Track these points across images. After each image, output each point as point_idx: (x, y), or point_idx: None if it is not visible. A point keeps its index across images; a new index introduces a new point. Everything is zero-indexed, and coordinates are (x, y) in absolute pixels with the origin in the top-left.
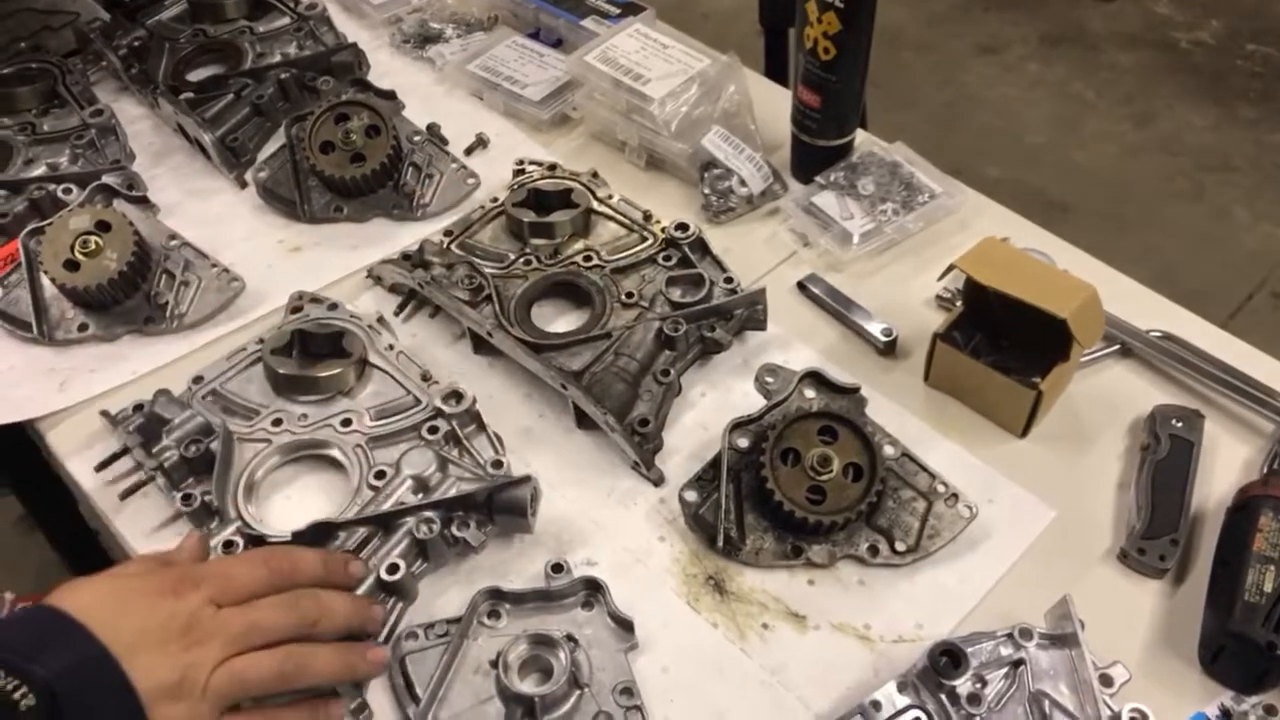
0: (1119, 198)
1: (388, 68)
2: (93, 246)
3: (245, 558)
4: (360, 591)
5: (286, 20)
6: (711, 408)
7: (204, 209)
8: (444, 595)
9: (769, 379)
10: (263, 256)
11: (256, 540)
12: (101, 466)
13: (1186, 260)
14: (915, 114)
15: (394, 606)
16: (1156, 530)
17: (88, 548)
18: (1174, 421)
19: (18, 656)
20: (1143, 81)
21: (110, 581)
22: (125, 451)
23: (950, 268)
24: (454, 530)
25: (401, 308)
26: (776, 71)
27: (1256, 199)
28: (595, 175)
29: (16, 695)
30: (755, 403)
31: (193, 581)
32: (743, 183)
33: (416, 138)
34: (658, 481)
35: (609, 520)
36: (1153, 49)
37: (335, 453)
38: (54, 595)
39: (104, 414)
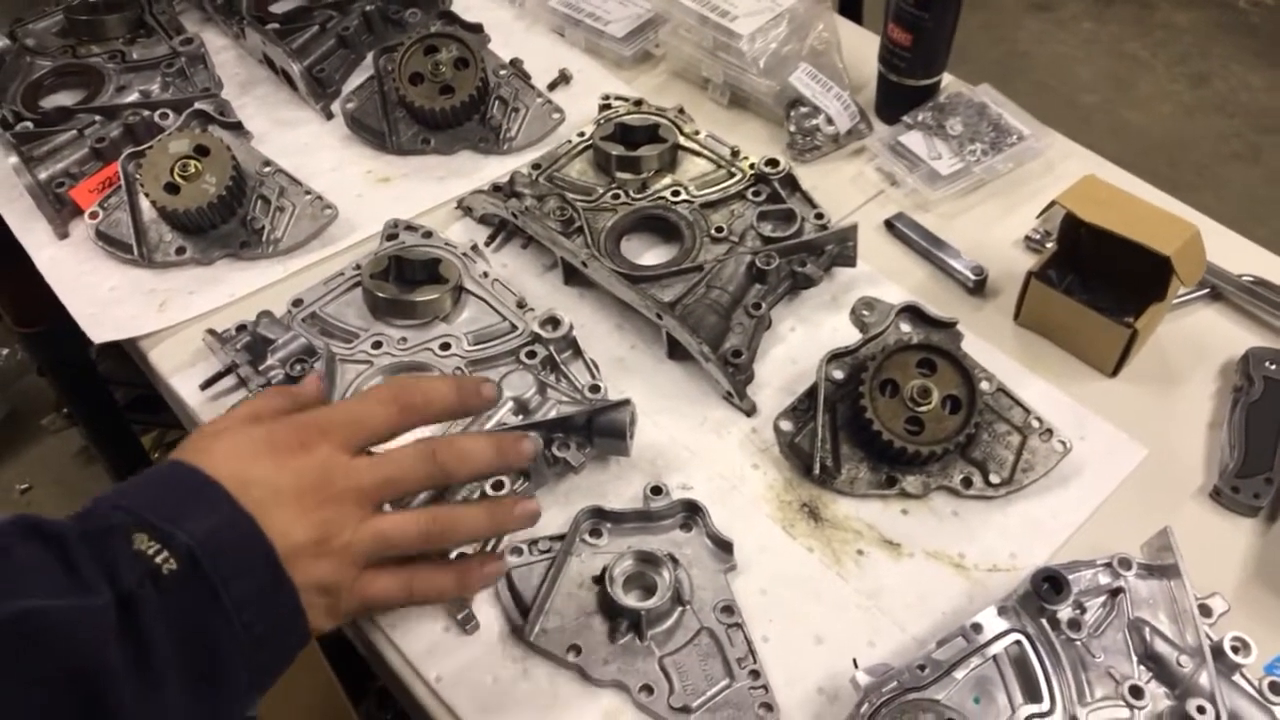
0: (1173, 159)
1: (469, 3)
2: (192, 170)
3: (373, 395)
4: None
5: None
6: (801, 342)
7: (292, 138)
8: (545, 514)
9: (865, 312)
10: (351, 186)
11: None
12: (207, 384)
13: (1242, 224)
14: (966, 71)
15: None
16: (1250, 469)
17: None
18: (1268, 363)
19: (161, 519)
20: (1199, 41)
21: (238, 435)
22: (229, 371)
23: (1051, 203)
24: (555, 450)
25: (492, 238)
26: (851, 13)
27: None
28: (681, 111)
29: (159, 559)
30: (845, 338)
31: (320, 430)
32: (829, 121)
33: (502, 72)
34: (750, 411)
35: (702, 448)
36: (1210, 8)
37: (435, 375)
38: (186, 450)
39: (210, 332)
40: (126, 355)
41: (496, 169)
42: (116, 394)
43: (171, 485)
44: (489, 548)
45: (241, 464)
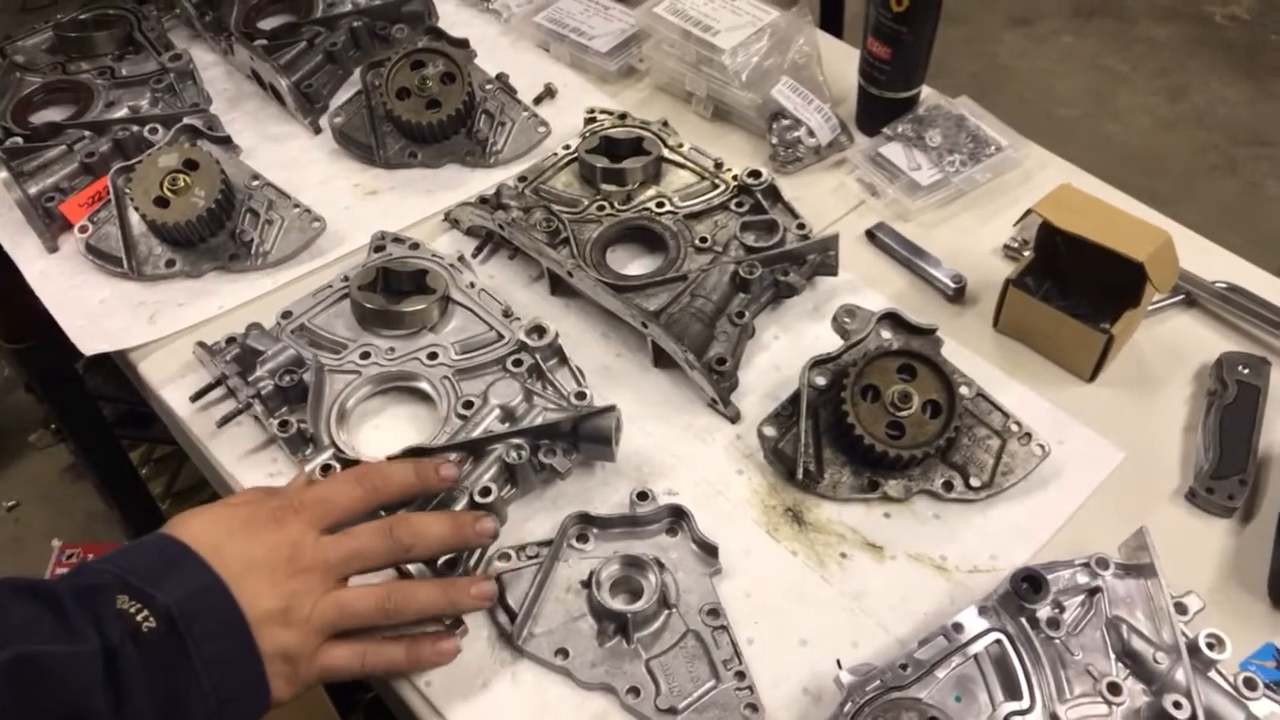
0: (1151, 171)
1: (454, 19)
2: (182, 184)
3: (340, 478)
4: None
5: None
6: (784, 350)
7: (280, 153)
8: (532, 520)
9: (847, 319)
10: (339, 199)
11: (351, 464)
12: (197, 396)
13: (1218, 235)
14: (947, 85)
15: None
16: (1225, 471)
17: (134, 495)
18: (1241, 368)
19: (142, 582)
20: (1177, 55)
21: (218, 511)
22: (219, 382)
23: (1027, 212)
24: (541, 457)
25: (479, 250)
26: (832, 28)
27: None
28: (666, 124)
29: (140, 618)
30: (827, 345)
31: (293, 509)
32: (811, 133)
33: (489, 86)
34: (735, 418)
35: (688, 454)
36: (1187, 23)
37: (423, 384)
38: (170, 525)
39: (200, 345)
40: (114, 371)
41: (483, 182)
42: (104, 410)
43: (153, 552)
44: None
45: (219, 536)
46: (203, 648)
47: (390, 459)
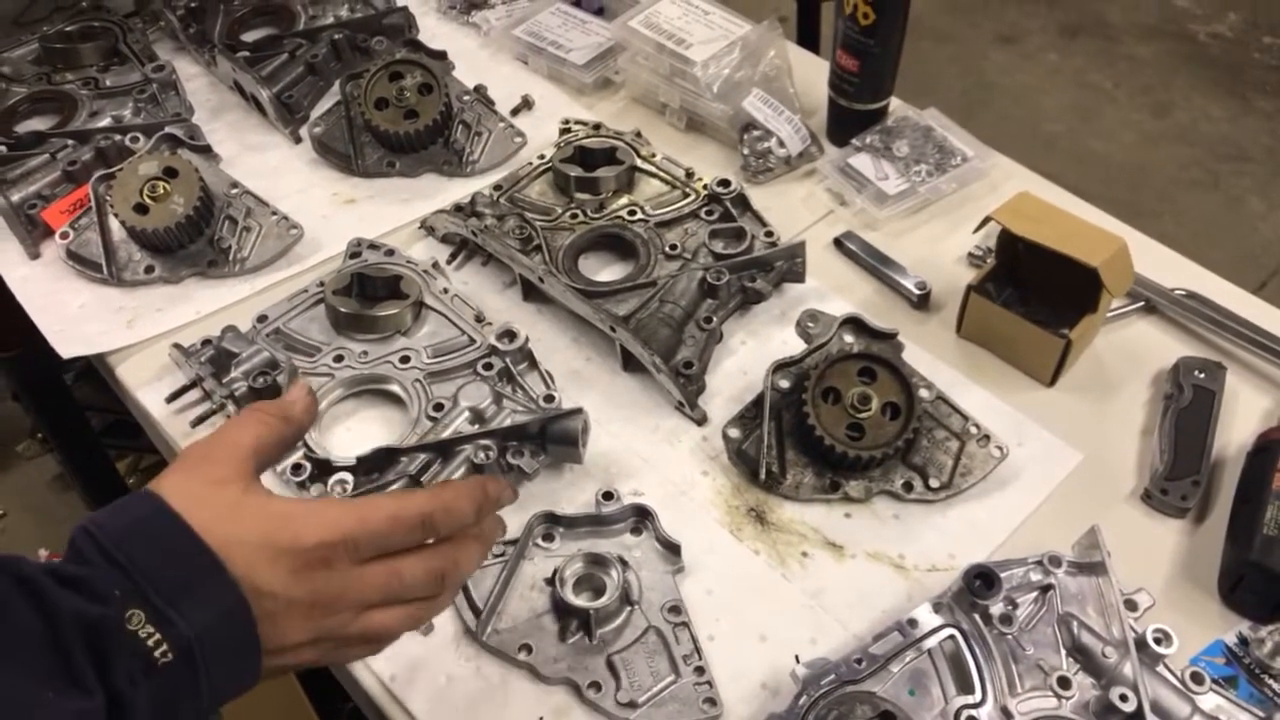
0: (1135, 186)
1: (434, 32)
2: (161, 191)
3: (401, 522)
4: None
5: None
6: (751, 355)
7: (260, 162)
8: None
9: (810, 324)
10: (317, 208)
11: (321, 464)
12: (173, 398)
13: (1200, 249)
14: (933, 101)
15: None
16: (1179, 472)
17: None
18: (1197, 372)
19: (164, 599)
20: (1160, 73)
21: (254, 525)
22: (195, 384)
23: (986, 219)
24: (509, 458)
25: (454, 257)
26: (808, 43)
27: (1271, 189)
28: (639, 134)
29: (157, 652)
30: (793, 350)
31: (345, 552)
32: (781, 144)
33: (466, 97)
34: (701, 420)
35: (654, 455)
36: (1171, 40)
37: (395, 387)
38: (190, 501)
39: (176, 347)
40: (102, 381)
41: (460, 191)
42: (92, 419)
43: (177, 556)
44: None
45: (259, 568)
46: (215, 678)
47: (360, 459)
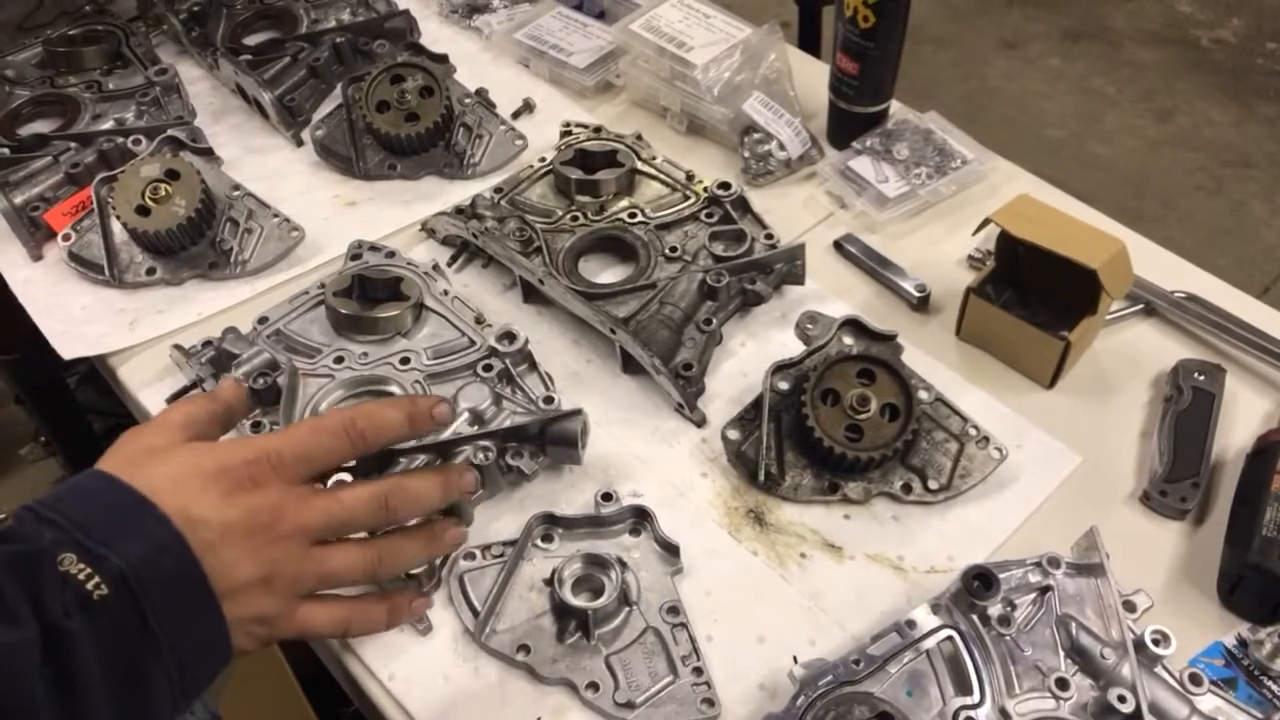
0: (1138, 191)
1: (436, 36)
2: (163, 193)
3: (324, 429)
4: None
5: None
6: (751, 356)
7: (263, 164)
8: (499, 520)
9: (809, 326)
10: (319, 210)
11: None
12: (174, 398)
13: (1204, 254)
14: (936, 106)
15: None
16: (1178, 474)
17: None
18: (1196, 374)
19: (93, 540)
20: (1163, 78)
21: (184, 462)
22: (196, 384)
23: (986, 221)
24: (508, 459)
25: (454, 259)
26: (809, 47)
27: (1274, 194)
28: (639, 137)
29: (90, 585)
30: (793, 352)
31: (271, 466)
32: (781, 147)
33: (467, 100)
34: (700, 422)
35: (653, 457)
36: (1174, 46)
37: (394, 388)
38: (119, 463)
39: (177, 348)
40: (105, 384)
41: (461, 193)
42: (95, 423)
43: (105, 503)
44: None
45: (189, 497)
46: (161, 614)
47: (360, 461)
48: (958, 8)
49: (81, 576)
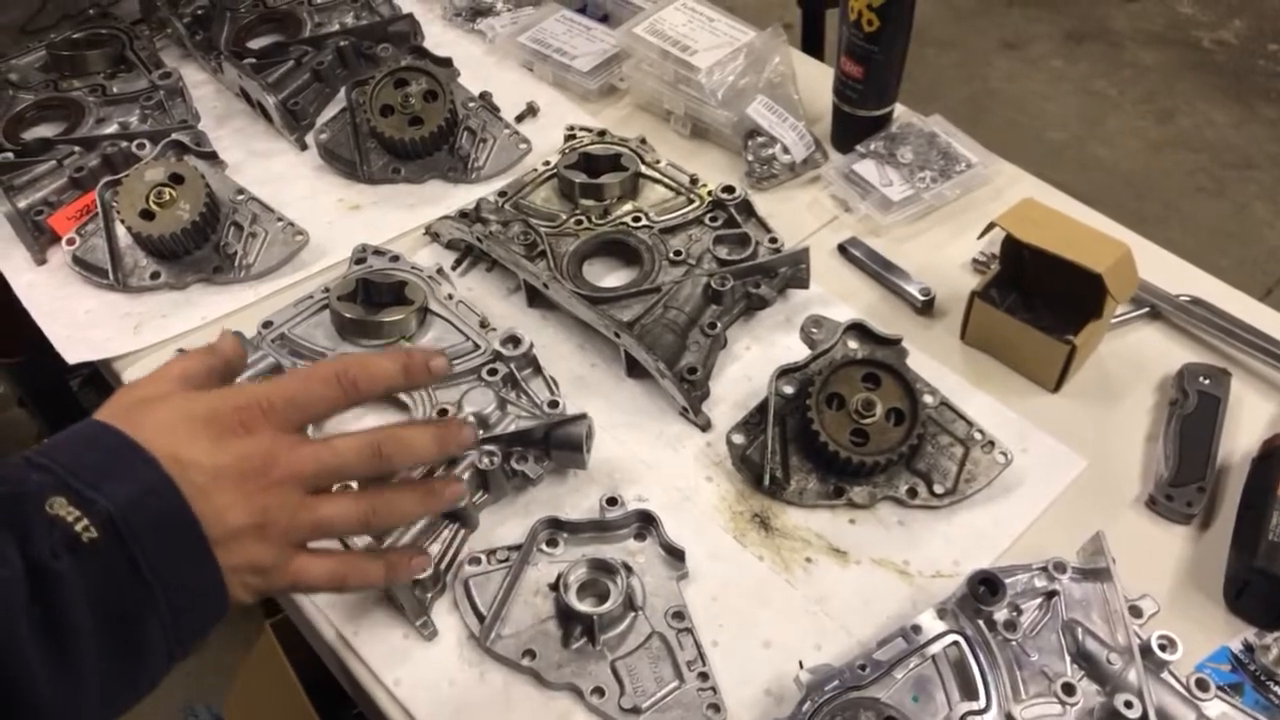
0: (1140, 193)
1: (440, 39)
2: (167, 197)
3: (315, 377)
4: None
5: None
6: (755, 360)
7: (266, 168)
8: (503, 525)
9: (814, 329)
10: (323, 214)
11: None
12: None
13: (1206, 255)
14: (938, 108)
15: (457, 534)
16: (1184, 478)
17: None
18: (1202, 378)
19: (82, 483)
20: (1165, 79)
21: (176, 408)
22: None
23: (991, 225)
24: (513, 464)
25: (458, 263)
26: (813, 50)
27: (1277, 195)
28: (643, 141)
29: (79, 527)
30: (797, 356)
31: (262, 410)
32: (786, 150)
33: (471, 104)
34: (705, 426)
35: (658, 461)
36: (1176, 48)
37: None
38: (114, 412)
39: (181, 352)
40: (107, 386)
41: (465, 197)
42: None
43: (95, 447)
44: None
45: (179, 442)
46: (152, 557)
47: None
48: (960, 9)
49: (70, 519)
